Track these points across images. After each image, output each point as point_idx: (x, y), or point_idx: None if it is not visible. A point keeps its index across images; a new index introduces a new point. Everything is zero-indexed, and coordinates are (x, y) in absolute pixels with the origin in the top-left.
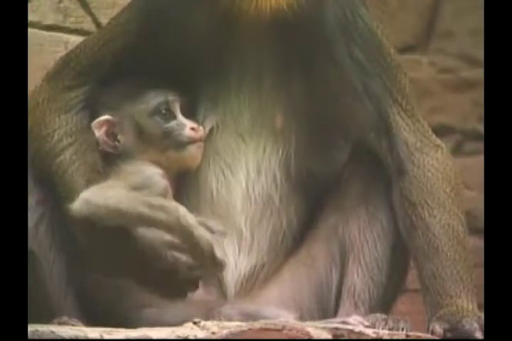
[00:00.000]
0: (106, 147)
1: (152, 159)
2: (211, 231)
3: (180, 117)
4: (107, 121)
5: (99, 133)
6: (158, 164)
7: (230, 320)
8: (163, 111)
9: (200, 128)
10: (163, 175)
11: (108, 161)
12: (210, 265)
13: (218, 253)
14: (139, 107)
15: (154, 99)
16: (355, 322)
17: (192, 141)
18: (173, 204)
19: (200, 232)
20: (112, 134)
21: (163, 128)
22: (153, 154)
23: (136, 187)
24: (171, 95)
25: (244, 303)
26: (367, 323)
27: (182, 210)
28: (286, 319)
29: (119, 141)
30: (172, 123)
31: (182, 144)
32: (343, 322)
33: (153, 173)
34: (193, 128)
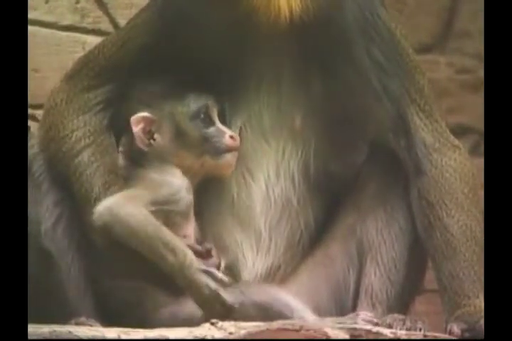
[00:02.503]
0: (140, 144)
1: (184, 163)
2: (215, 279)
3: (219, 124)
4: (145, 118)
5: (136, 128)
6: (189, 169)
7: (242, 307)
8: (202, 116)
9: (237, 137)
10: (188, 188)
11: (134, 162)
12: (218, 309)
13: (227, 298)
14: (180, 109)
15: (196, 102)
16: (365, 316)
17: (230, 149)
18: (183, 251)
19: (202, 282)
20: (149, 132)
21: (203, 133)
22: (186, 158)
23: (161, 202)
24: (210, 99)
25: (258, 292)
26: (376, 320)
27: (189, 259)
28: (300, 311)
29: (154, 140)
30: (212, 129)
31: (220, 151)
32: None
33: (180, 187)
34: (231, 137)
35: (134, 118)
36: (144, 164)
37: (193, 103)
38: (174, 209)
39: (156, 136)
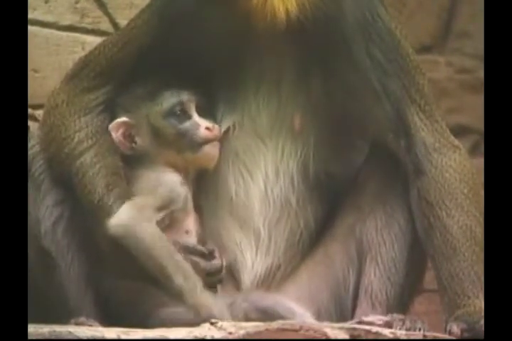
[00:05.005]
0: (123, 149)
1: (168, 161)
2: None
3: (196, 117)
4: (123, 123)
5: (116, 134)
6: (175, 166)
7: (246, 314)
8: (178, 112)
9: (216, 127)
10: (181, 182)
11: (128, 164)
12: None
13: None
14: (153, 109)
15: (168, 100)
16: (374, 319)
17: (207, 141)
18: (194, 277)
19: (209, 303)
20: (129, 136)
21: (177, 129)
22: (169, 156)
23: (166, 205)
24: (185, 95)
25: (260, 298)
26: (386, 318)
27: (200, 286)
28: (302, 315)
29: (136, 143)
30: (187, 124)
31: (197, 144)
32: (361, 322)
33: (175, 184)
34: (207, 128)
35: (111, 126)
36: (137, 165)
37: (166, 101)
38: (176, 207)
39: (136, 138)
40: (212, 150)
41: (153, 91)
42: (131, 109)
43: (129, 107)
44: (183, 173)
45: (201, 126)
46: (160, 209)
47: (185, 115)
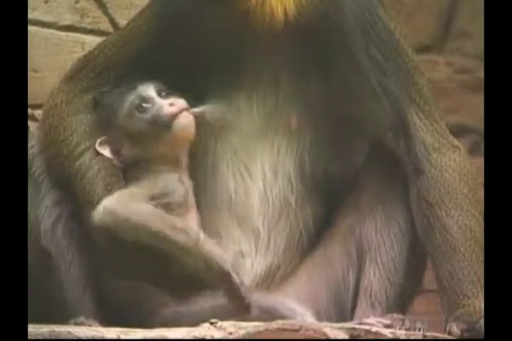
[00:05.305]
0: (117, 164)
1: (158, 154)
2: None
3: (157, 100)
4: (104, 142)
5: (108, 154)
6: (167, 158)
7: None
8: (143, 104)
9: (179, 100)
10: (180, 179)
11: (125, 167)
12: (229, 290)
13: (239, 279)
14: (119, 114)
15: (127, 99)
16: (374, 322)
17: (174, 115)
18: (195, 229)
19: (218, 254)
20: (116, 151)
21: (145, 120)
22: (154, 148)
23: (158, 196)
24: (141, 86)
25: (261, 297)
26: (386, 321)
27: (202, 235)
28: (303, 315)
29: (123, 155)
30: (152, 111)
31: (167, 123)
32: (361, 324)
33: (171, 179)
34: (171, 104)
35: (98, 148)
36: (133, 168)
37: (124, 103)
38: (171, 201)
39: (122, 151)
40: (183, 120)
41: (117, 100)
42: (107, 124)
43: (106, 123)
44: (178, 166)
45: (164, 105)
46: (151, 199)
47: (149, 104)
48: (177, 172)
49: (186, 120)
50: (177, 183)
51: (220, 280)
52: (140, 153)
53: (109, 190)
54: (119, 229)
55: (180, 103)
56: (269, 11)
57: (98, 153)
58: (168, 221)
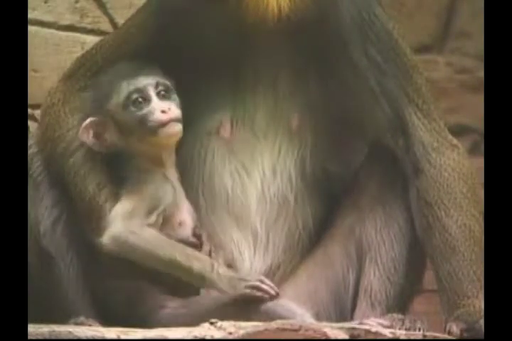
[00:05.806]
0: (97, 148)
1: (140, 151)
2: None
3: (154, 101)
4: (91, 124)
5: (87, 136)
6: (144, 154)
7: (247, 315)
8: (138, 100)
9: (172, 108)
10: (165, 176)
11: (113, 166)
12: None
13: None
14: (113, 101)
15: (125, 89)
16: (374, 323)
17: (163, 124)
18: (205, 257)
19: (235, 277)
20: (99, 135)
21: (136, 117)
22: (137, 145)
23: (153, 207)
24: (143, 81)
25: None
26: (386, 323)
27: (213, 261)
28: (303, 316)
29: (106, 140)
30: (145, 110)
31: (153, 129)
32: (361, 324)
33: (160, 180)
34: (163, 111)
35: (81, 129)
36: (120, 167)
37: (122, 92)
38: (165, 206)
39: (105, 135)
40: (169, 130)
41: (114, 84)
42: (99, 108)
43: (97, 107)
44: (161, 164)
45: (156, 109)
46: (150, 211)
47: (145, 101)
48: (161, 170)
49: (173, 130)
50: (164, 183)
51: (239, 299)
52: (123, 144)
53: (101, 188)
54: (129, 256)
55: (173, 112)
56: (262, 9)
57: (91, 150)
58: (178, 248)
